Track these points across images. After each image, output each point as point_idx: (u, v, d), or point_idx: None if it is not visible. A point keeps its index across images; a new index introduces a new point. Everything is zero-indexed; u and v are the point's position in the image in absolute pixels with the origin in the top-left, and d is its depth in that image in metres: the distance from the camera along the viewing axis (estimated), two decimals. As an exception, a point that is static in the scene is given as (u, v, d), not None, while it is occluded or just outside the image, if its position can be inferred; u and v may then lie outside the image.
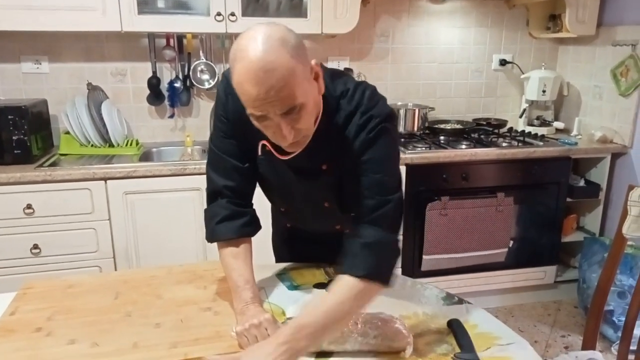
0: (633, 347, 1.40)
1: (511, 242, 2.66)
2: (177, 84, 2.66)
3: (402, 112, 2.77)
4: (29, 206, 2.10)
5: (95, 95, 2.45)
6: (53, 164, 2.21)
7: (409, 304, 1.21)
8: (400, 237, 1.10)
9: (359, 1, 2.44)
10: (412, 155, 2.43)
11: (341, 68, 2.79)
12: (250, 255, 1.19)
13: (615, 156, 2.72)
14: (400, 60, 2.95)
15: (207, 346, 1.02)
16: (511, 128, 2.94)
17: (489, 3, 2.95)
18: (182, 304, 1.19)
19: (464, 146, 2.58)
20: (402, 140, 2.66)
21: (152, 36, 2.56)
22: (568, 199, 2.71)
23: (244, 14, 2.34)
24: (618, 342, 1.47)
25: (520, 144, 2.65)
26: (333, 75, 1.10)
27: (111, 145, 2.43)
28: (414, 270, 2.55)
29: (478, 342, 1.04)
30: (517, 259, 2.71)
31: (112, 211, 2.19)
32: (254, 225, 1.22)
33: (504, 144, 2.64)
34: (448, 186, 2.50)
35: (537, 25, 3.02)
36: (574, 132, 2.89)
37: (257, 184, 1.26)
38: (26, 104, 2.21)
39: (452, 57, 3.02)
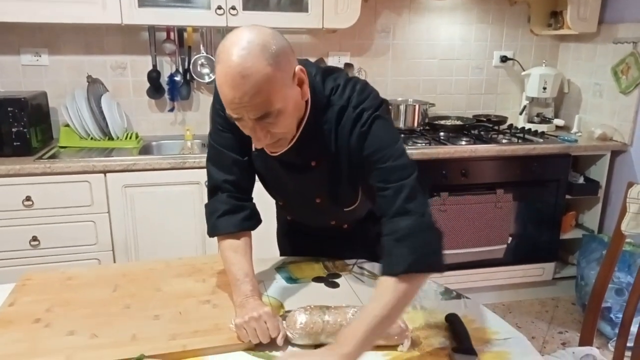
0: (630, 344, 1.40)
1: (510, 238, 2.66)
2: (177, 78, 2.65)
3: (402, 107, 2.77)
4: (28, 198, 2.10)
5: (95, 88, 2.44)
6: (52, 157, 2.21)
7: (407, 299, 1.21)
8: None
9: (360, -4, 2.44)
10: (411, 151, 2.42)
11: (341, 64, 2.78)
12: (250, 249, 1.20)
13: (615, 154, 2.72)
14: (400, 56, 2.95)
15: (206, 338, 1.02)
16: (511, 125, 2.93)
17: (490, 0, 2.95)
18: (181, 297, 1.19)
19: (463, 142, 2.58)
20: (402, 136, 2.66)
21: (152, 29, 2.55)
22: (567, 196, 2.71)
23: (245, 7, 2.33)
24: (615, 338, 1.48)
25: (520, 141, 2.65)
26: (324, 74, 1.10)
27: (111, 139, 2.43)
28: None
29: (476, 337, 1.04)
30: (515, 256, 2.72)
31: (112, 204, 2.19)
32: (255, 219, 1.23)
33: (504, 141, 2.64)
34: (447, 182, 2.50)
35: (538, 22, 3.02)
36: (574, 130, 2.89)
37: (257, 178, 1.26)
38: (26, 96, 2.20)
39: (452, 54, 3.01)
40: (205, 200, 1.24)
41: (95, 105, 2.38)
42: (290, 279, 1.30)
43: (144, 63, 2.62)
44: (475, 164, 2.53)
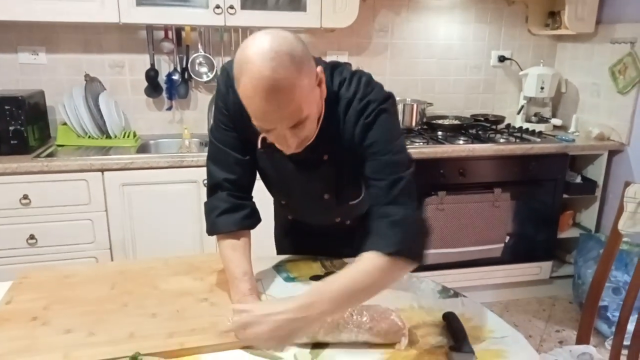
0: (626, 343, 1.41)
1: (507, 237, 2.67)
2: (175, 77, 2.65)
3: (400, 107, 2.77)
4: (25, 197, 2.09)
5: (92, 87, 2.44)
6: (50, 155, 2.21)
7: (404, 297, 1.21)
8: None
9: (358, -5, 2.44)
10: (409, 150, 2.40)
11: (340, 62, 2.78)
12: (249, 248, 1.19)
13: (612, 153, 2.73)
14: (399, 56, 2.95)
15: (203, 336, 1.02)
16: (509, 124, 2.94)
17: (488, -1, 2.95)
18: (178, 295, 1.19)
19: (461, 142, 2.58)
20: (400, 135, 2.66)
21: (150, 28, 2.55)
22: (564, 195, 2.71)
23: (243, 7, 2.33)
24: (612, 337, 1.48)
25: (517, 140, 2.65)
26: (332, 69, 1.10)
27: (108, 137, 2.43)
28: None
29: (473, 335, 1.05)
30: (513, 255, 2.72)
31: (109, 203, 2.19)
32: (254, 218, 1.22)
33: (502, 140, 2.65)
34: (445, 181, 2.51)
35: (536, 22, 3.02)
36: (572, 129, 2.90)
37: (258, 177, 1.26)
38: (23, 94, 2.20)
39: (450, 53, 3.02)
40: (203, 199, 1.23)
41: (93, 103, 2.37)
42: (289, 278, 1.30)
43: (142, 62, 2.61)
44: (473, 164, 2.53)
